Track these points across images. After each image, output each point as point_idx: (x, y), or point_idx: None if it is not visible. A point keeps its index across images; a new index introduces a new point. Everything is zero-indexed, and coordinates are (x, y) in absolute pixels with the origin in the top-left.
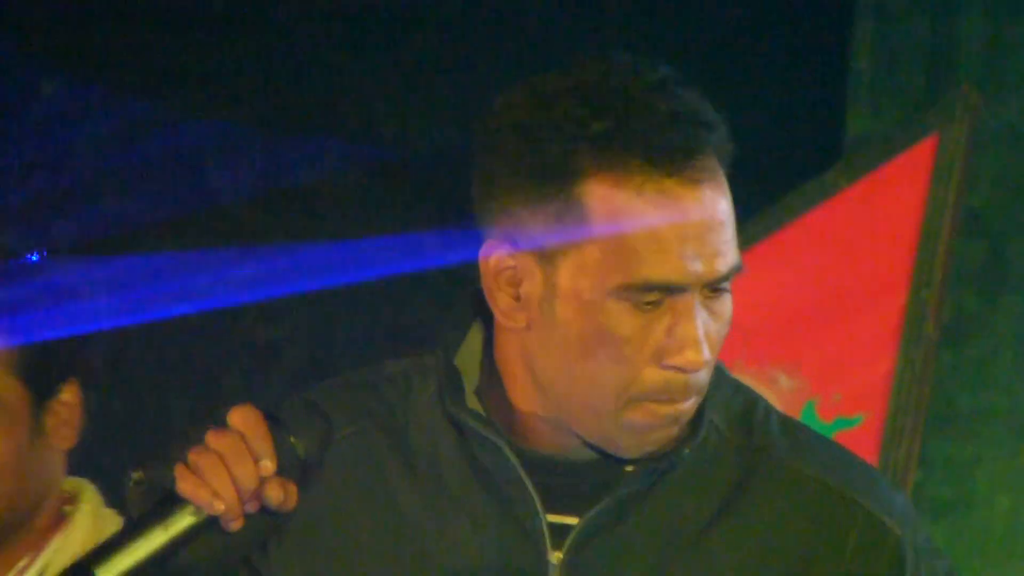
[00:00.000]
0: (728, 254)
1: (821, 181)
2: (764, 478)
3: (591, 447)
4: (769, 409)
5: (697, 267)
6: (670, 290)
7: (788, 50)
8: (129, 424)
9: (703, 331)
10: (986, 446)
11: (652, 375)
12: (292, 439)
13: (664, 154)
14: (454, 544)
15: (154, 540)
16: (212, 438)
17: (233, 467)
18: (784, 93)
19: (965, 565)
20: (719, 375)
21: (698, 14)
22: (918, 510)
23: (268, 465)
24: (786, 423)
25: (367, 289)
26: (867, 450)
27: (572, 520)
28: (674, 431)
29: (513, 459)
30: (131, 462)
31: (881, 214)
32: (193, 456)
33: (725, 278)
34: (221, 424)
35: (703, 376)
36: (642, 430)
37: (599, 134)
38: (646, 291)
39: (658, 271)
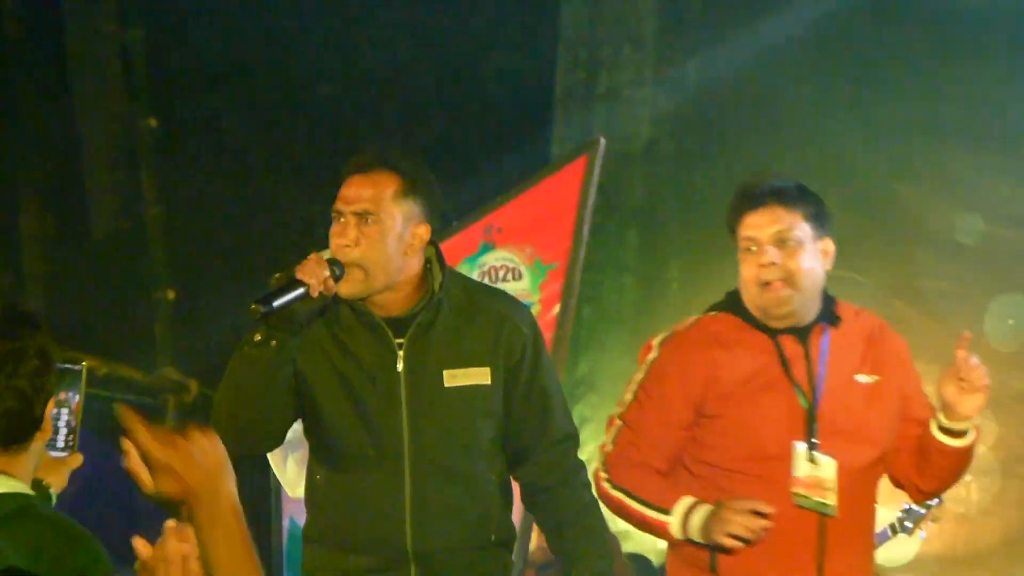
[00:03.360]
0: (357, 203)
1: (535, 177)
2: (474, 309)
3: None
4: (470, 280)
5: (340, 206)
6: (339, 212)
7: (515, 108)
8: None
9: (346, 238)
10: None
11: None
12: (334, 267)
13: (348, 167)
14: (357, 353)
15: (290, 295)
16: (307, 260)
17: (316, 267)
18: (514, 128)
19: (601, 339)
20: (453, 277)
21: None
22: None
23: (326, 273)
24: (477, 284)
25: None
26: (559, 279)
27: (403, 340)
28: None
29: (380, 320)
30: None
31: (562, 189)
32: (299, 266)
33: (355, 213)
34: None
35: (348, 254)
36: None
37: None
38: (334, 210)
39: (335, 203)
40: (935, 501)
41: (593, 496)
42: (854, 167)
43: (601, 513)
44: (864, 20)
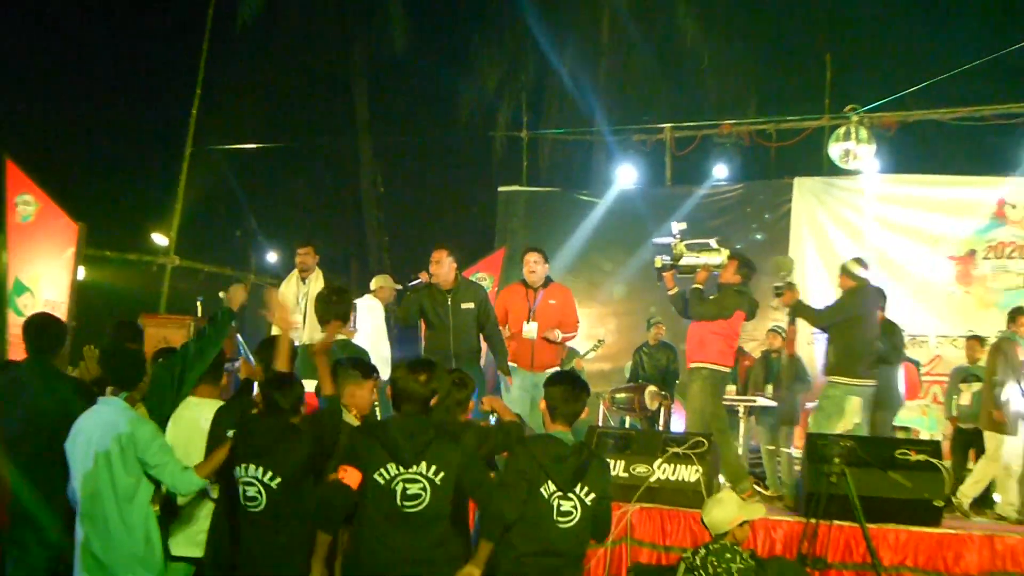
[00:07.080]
0: (435, 259)
1: (487, 254)
2: (468, 287)
3: None
4: (468, 279)
5: (431, 260)
6: (431, 262)
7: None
8: None
9: (433, 268)
10: None
11: None
12: (430, 275)
13: (435, 249)
14: (436, 299)
15: (415, 281)
16: (422, 272)
17: (424, 274)
18: (482, 240)
19: None
20: (463, 279)
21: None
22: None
23: (427, 275)
24: (469, 280)
25: None
26: (495, 283)
27: (450, 295)
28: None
29: (443, 289)
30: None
31: (495, 258)
32: (419, 274)
33: (434, 261)
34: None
35: (433, 272)
36: None
37: None
38: (430, 262)
39: (431, 259)
40: (600, 342)
41: (503, 339)
42: (592, 262)
43: (505, 344)
44: (624, 210)
